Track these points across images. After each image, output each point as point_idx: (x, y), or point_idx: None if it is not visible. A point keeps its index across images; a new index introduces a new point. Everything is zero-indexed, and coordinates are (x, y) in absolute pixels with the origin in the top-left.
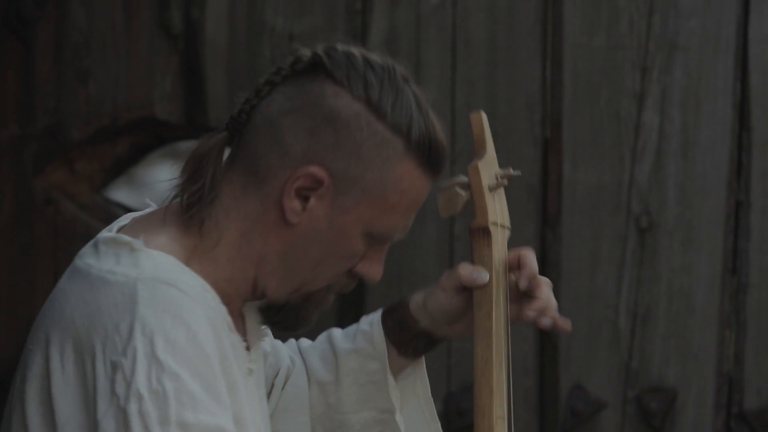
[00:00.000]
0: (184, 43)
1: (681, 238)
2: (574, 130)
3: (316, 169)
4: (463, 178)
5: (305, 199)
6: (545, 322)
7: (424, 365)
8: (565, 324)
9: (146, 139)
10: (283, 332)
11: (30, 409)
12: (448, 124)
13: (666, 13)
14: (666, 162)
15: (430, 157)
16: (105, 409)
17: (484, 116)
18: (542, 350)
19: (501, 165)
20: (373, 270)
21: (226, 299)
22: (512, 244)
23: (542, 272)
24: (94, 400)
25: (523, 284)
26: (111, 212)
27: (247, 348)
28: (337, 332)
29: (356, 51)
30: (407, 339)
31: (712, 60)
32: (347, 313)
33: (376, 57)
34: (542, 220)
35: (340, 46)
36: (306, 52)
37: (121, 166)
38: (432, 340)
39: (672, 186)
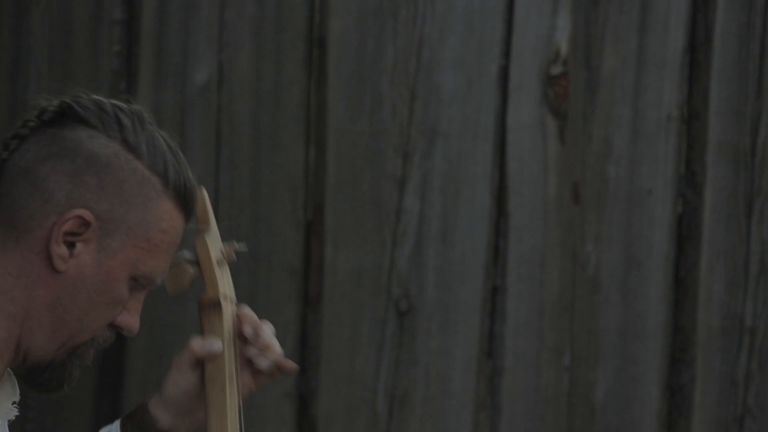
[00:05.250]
0: None
1: (439, 321)
2: (336, 214)
3: (82, 212)
4: (188, 255)
5: (71, 245)
6: (263, 363)
7: None
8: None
9: None
10: (47, 394)
11: None
12: (212, 207)
13: (427, 99)
14: (426, 246)
15: (186, 197)
16: None
17: (204, 193)
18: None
19: (234, 243)
20: (132, 321)
21: None
22: (274, 325)
23: (302, 354)
24: None
25: (247, 331)
26: None
27: None
28: None
29: (102, 97)
30: None
31: (472, 146)
32: (107, 395)
33: (121, 103)
34: (303, 302)
35: (84, 94)
36: (51, 102)
37: None
38: None
39: (431, 270)
